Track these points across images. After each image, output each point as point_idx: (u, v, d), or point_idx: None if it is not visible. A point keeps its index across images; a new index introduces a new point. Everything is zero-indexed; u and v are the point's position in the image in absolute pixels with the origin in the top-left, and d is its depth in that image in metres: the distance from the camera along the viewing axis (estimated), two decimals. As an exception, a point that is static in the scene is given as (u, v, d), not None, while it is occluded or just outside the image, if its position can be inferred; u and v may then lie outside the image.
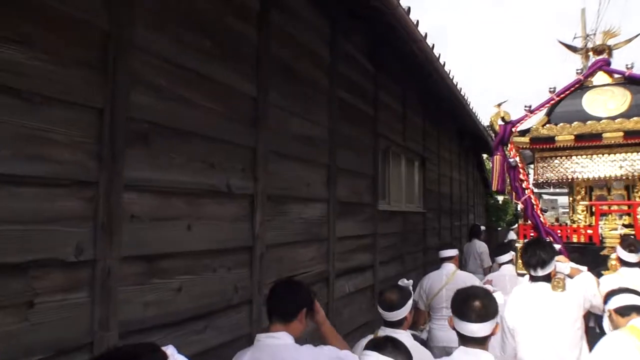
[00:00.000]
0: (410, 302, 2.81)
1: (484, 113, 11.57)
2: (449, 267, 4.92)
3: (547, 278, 3.18)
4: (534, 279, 3.22)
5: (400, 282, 3.03)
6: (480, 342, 2.23)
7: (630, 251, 4.04)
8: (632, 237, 4.44)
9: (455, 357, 2.06)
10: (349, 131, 4.75)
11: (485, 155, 22.16)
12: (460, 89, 7.77)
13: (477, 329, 2.22)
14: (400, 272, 6.34)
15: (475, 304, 2.24)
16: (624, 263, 4.08)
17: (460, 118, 9.49)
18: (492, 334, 2.27)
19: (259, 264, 3.10)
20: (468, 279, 4.77)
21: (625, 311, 2.73)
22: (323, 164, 4.15)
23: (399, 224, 6.38)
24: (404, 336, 2.55)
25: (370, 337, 2.78)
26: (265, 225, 3.17)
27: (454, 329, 2.32)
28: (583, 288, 3.23)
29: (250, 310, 3.03)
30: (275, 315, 2.21)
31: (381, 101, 5.72)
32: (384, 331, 2.72)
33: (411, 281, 3.25)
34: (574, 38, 21.39)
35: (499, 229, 18.17)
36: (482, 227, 11.03)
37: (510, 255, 5.22)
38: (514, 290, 3.40)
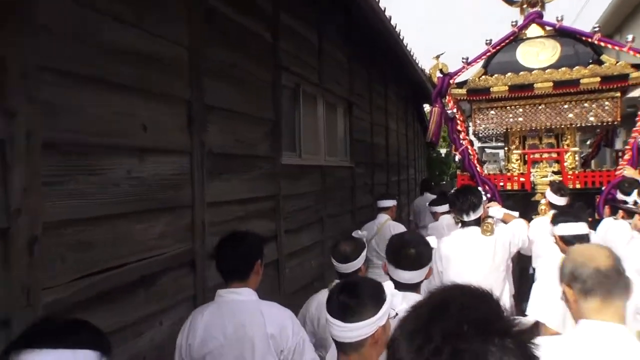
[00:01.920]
0: (364, 253, 2.77)
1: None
2: (383, 217, 5.12)
3: (477, 222, 3.37)
4: (465, 224, 3.41)
5: (354, 234, 3.02)
6: (413, 288, 2.25)
7: (561, 195, 4.21)
8: (559, 182, 4.67)
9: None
10: (230, 57, 3.48)
11: (426, 107, 21.38)
12: (390, 17, 6.57)
13: (410, 277, 2.23)
14: (319, 239, 5.24)
15: (409, 252, 2.25)
16: (554, 207, 4.19)
17: (396, 60, 8.33)
18: (425, 278, 2.30)
19: (28, 258, 1.85)
20: (396, 229, 4.72)
21: (572, 240, 2.79)
22: (179, 98, 2.88)
23: (316, 181, 5.22)
24: None
25: (325, 291, 2.52)
26: (38, 190, 1.89)
27: (387, 274, 2.30)
28: (511, 233, 3.42)
29: (7, 335, 1.79)
30: (229, 276, 2.16)
31: (285, 25, 4.44)
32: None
33: (365, 232, 3.33)
34: None
35: (443, 182, 17.50)
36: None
37: (447, 207, 5.35)
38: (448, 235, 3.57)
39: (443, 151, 18.34)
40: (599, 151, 6.74)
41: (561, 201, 4.21)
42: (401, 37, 7.38)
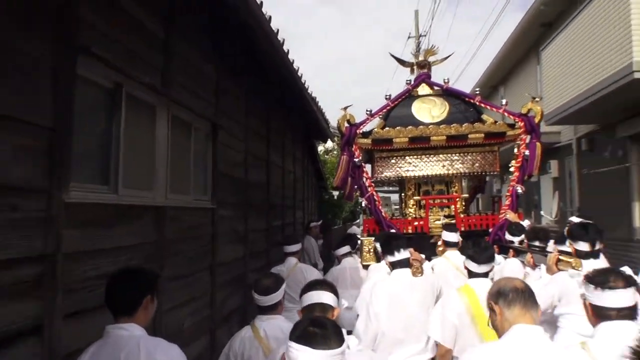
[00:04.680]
0: (283, 286, 3.00)
1: (331, 116, 10.50)
2: (292, 260, 5.29)
3: (407, 264, 3.66)
4: (394, 264, 3.68)
5: (273, 270, 3.79)
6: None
7: (451, 231, 4.73)
8: (451, 223, 5.18)
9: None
10: None
11: (322, 147, 20.31)
12: (276, 30, 5.20)
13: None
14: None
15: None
16: (447, 244, 4.70)
17: (284, 84, 6.97)
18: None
19: None
20: (308, 272, 5.07)
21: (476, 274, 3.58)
22: None
23: (147, 228, 3.57)
24: (279, 321, 2.91)
25: (247, 328, 2.94)
26: None
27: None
28: (436, 276, 3.97)
29: None
30: (117, 311, 2.16)
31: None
32: (260, 320, 2.88)
33: (304, 265, 4.49)
34: (409, 38, 22.69)
35: (334, 226, 16.32)
36: (314, 223, 9.81)
37: (348, 247, 5.82)
38: (378, 277, 4.01)
39: (336, 193, 17.25)
40: (474, 198, 7.62)
41: (455, 237, 4.72)
42: (290, 57, 6.07)
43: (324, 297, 2.46)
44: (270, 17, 4.93)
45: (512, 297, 2.13)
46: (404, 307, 3.50)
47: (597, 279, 2.34)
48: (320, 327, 1.72)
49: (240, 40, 5.38)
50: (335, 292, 2.54)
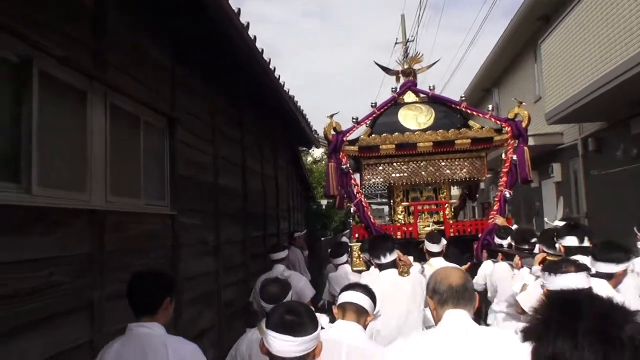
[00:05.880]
0: (291, 292, 3.04)
1: (319, 129, 10.11)
2: (279, 268, 5.12)
3: (394, 264, 3.86)
4: (382, 266, 3.85)
5: (279, 275, 3.87)
6: None
7: (433, 242, 4.81)
8: (435, 232, 5.16)
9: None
10: None
11: (310, 157, 19.71)
12: (237, 10, 4.61)
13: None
14: (84, 340, 2.92)
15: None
16: (431, 253, 4.80)
17: (256, 76, 6.37)
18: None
19: None
20: (296, 280, 4.87)
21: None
22: None
23: (77, 237, 2.93)
24: None
25: (254, 330, 2.76)
26: None
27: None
28: (423, 276, 3.90)
29: None
30: (139, 311, 2.32)
31: None
32: None
33: (291, 272, 4.50)
34: (396, 43, 22.28)
35: (323, 238, 15.65)
36: (298, 233, 9.19)
37: (346, 256, 5.82)
38: (368, 280, 3.76)
39: (324, 202, 16.63)
40: (465, 204, 7.55)
41: (436, 248, 4.77)
42: (259, 49, 5.47)
43: (359, 298, 2.57)
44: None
45: (445, 297, 2.17)
46: (396, 304, 3.68)
47: (551, 267, 2.64)
48: (296, 315, 1.81)
49: (198, 26, 4.78)
50: (374, 299, 2.64)
